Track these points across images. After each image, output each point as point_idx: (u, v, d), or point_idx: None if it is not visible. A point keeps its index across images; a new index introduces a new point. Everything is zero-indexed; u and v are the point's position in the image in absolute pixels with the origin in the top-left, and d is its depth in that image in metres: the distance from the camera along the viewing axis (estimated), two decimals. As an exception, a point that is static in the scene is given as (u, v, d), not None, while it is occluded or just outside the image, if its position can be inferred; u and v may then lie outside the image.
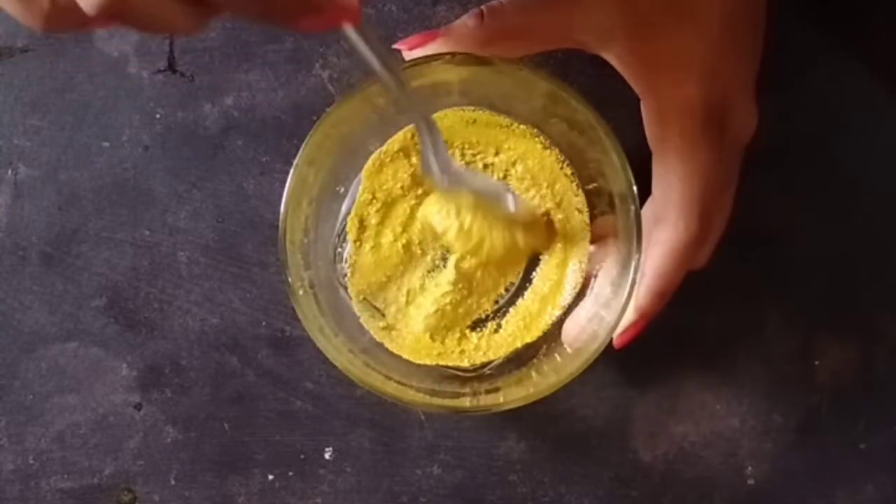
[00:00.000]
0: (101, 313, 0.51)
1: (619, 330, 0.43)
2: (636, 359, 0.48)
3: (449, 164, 0.43)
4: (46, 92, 0.51)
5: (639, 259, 0.42)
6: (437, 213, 0.45)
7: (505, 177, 0.47)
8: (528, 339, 0.47)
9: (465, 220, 0.45)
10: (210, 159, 0.51)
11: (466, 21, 0.43)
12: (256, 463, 0.50)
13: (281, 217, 0.43)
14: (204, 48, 0.50)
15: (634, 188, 0.42)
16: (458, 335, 0.47)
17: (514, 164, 0.47)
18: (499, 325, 0.47)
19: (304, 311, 0.43)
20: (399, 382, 0.44)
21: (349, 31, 0.35)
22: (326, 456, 0.50)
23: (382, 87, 0.39)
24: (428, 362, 0.47)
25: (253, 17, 0.31)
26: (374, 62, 0.37)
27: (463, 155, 0.47)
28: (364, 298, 0.47)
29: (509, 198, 0.46)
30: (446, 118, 0.46)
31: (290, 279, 0.43)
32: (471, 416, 0.50)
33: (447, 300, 0.47)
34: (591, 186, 0.46)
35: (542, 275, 0.48)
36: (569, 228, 0.47)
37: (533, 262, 0.48)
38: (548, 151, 0.47)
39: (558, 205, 0.47)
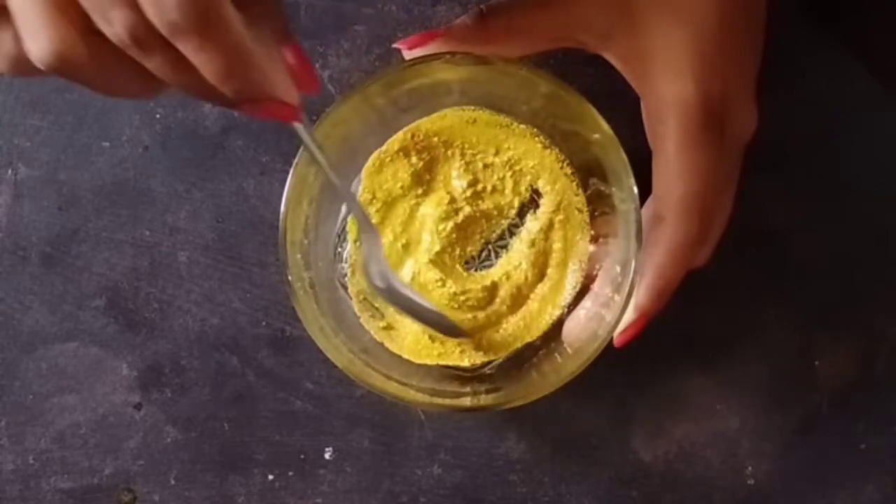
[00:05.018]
0: (101, 313, 0.51)
1: (619, 329, 0.43)
2: (636, 359, 0.48)
3: (387, 276, 0.44)
4: (46, 92, 0.51)
5: (639, 259, 0.42)
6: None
7: (504, 177, 0.47)
8: (528, 339, 0.47)
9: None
10: (210, 159, 0.51)
11: (466, 20, 0.43)
12: (256, 463, 0.50)
13: (281, 217, 0.43)
14: (204, 48, 0.50)
15: (634, 188, 0.42)
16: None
17: (514, 163, 0.47)
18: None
19: (304, 311, 0.43)
20: (400, 382, 0.44)
21: (297, 126, 0.36)
22: (326, 456, 0.50)
23: (327, 182, 0.40)
24: (428, 362, 0.47)
25: (198, 97, 0.32)
26: (317, 157, 0.38)
27: (463, 155, 0.47)
28: (364, 298, 0.47)
29: (434, 323, 0.46)
30: (446, 118, 0.46)
31: (290, 279, 0.43)
32: (471, 416, 0.50)
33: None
34: (591, 185, 0.46)
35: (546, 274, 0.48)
36: (569, 228, 0.47)
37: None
38: (548, 151, 0.47)
39: (558, 204, 0.47)
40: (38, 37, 0.29)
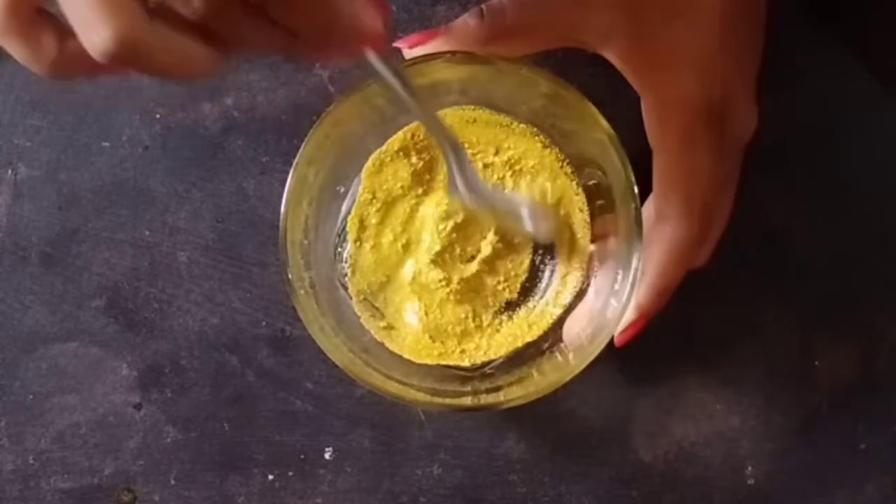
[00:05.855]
0: (101, 313, 0.51)
1: (619, 328, 0.43)
2: (636, 358, 0.48)
3: (476, 183, 0.43)
4: (46, 92, 0.51)
5: (639, 258, 0.42)
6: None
7: (504, 176, 0.47)
8: (529, 339, 0.47)
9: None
10: (210, 159, 0.51)
11: (467, 20, 0.43)
12: (256, 463, 0.50)
13: (281, 217, 0.43)
14: (204, 48, 0.50)
15: (635, 187, 0.42)
16: (458, 333, 0.47)
17: (514, 163, 0.47)
18: (500, 325, 0.48)
19: (304, 310, 0.43)
20: (400, 382, 0.44)
21: (372, 57, 0.34)
22: (326, 456, 0.50)
23: (401, 108, 0.38)
24: (429, 362, 0.47)
25: (276, 53, 0.31)
26: (397, 87, 0.36)
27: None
28: (364, 298, 0.47)
29: (530, 215, 0.46)
30: (446, 117, 0.46)
31: (290, 279, 0.43)
32: (471, 416, 0.50)
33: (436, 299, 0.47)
34: (591, 185, 0.46)
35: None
36: (569, 226, 0.47)
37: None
38: (548, 150, 0.47)
39: (558, 204, 0.47)
40: (99, 27, 0.28)
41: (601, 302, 0.45)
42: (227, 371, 0.50)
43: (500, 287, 0.47)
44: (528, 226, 0.46)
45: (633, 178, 0.42)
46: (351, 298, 0.47)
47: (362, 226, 0.47)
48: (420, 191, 0.47)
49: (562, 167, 0.47)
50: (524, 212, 0.46)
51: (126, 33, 0.28)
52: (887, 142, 0.50)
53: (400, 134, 0.47)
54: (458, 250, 0.47)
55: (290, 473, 0.50)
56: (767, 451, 0.50)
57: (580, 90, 0.43)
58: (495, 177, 0.47)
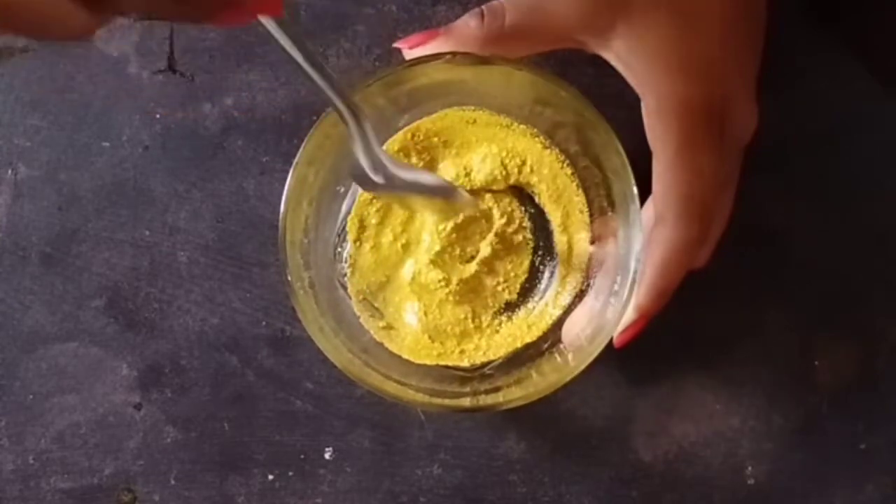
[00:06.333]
0: (101, 313, 0.51)
1: (619, 329, 0.43)
2: (636, 359, 0.48)
3: (381, 160, 0.40)
4: (46, 92, 0.51)
5: (639, 258, 0.42)
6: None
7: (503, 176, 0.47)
8: (528, 339, 0.47)
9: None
10: (210, 159, 0.51)
11: (467, 20, 0.43)
12: (256, 463, 0.50)
13: (281, 217, 0.43)
14: (204, 48, 0.51)
15: (635, 188, 0.42)
16: (458, 334, 0.47)
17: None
18: (499, 325, 0.48)
19: (304, 311, 0.43)
20: (399, 382, 0.44)
21: (268, 22, 0.33)
22: (326, 456, 0.50)
23: (302, 76, 0.37)
24: (428, 362, 0.47)
25: (165, 15, 0.29)
26: (294, 52, 0.35)
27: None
28: (364, 298, 0.47)
29: (442, 192, 0.44)
30: (446, 118, 0.46)
31: (290, 279, 0.43)
32: (471, 416, 0.50)
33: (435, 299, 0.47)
34: (591, 185, 0.46)
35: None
36: (569, 228, 0.47)
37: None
38: (548, 151, 0.47)
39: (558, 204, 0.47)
40: None
41: (601, 303, 0.45)
42: (227, 371, 0.50)
43: (499, 288, 0.47)
44: (441, 203, 0.44)
45: (632, 179, 0.42)
46: (350, 298, 0.47)
47: (362, 226, 0.47)
48: (420, 191, 0.47)
49: (562, 167, 0.47)
50: (438, 187, 0.44)
51: None
52: (887, 142, 0.50)
53: (400, 134, 0.47)
54: (457, 251, 0.47)
55: (290, 473, 0.50)
56: (767, 451, 0.50)
57: (580, 90, 0.43)
58: (494, 176, 0.47)
